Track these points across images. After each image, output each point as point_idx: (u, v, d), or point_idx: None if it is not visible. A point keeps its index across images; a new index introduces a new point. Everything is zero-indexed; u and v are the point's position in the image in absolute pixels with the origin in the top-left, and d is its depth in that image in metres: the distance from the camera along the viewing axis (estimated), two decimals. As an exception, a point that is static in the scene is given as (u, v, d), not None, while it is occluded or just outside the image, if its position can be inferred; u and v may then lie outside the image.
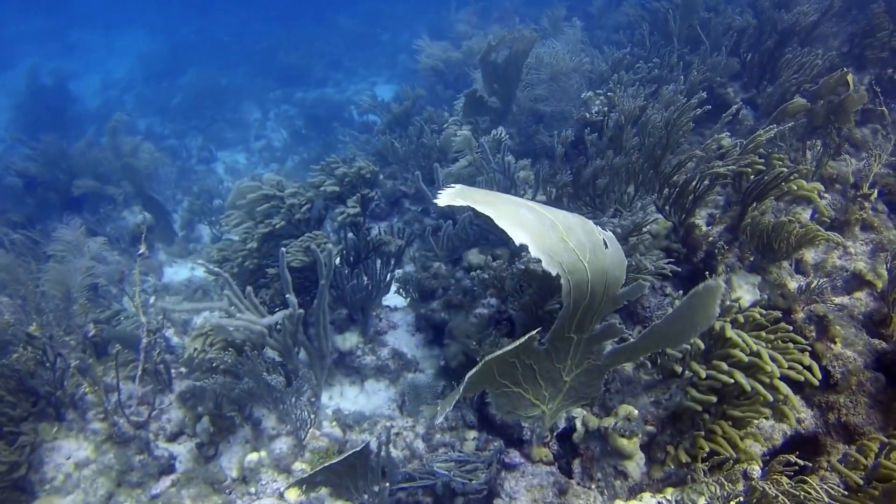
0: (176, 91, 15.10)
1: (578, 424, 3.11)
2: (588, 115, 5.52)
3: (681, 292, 3.97)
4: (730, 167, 4.08)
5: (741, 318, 3.29)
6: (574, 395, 2.96)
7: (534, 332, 2.73)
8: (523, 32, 6.11)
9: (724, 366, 3.10)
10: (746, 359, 3.01)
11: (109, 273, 6.38)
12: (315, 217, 4.63)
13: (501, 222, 2.14)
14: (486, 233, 4.93)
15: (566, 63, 6.40)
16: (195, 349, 3.95)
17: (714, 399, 3.14)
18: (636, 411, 3.15)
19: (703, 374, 3.09)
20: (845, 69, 5.31)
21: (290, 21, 19.34)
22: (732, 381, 2.99)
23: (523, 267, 3.64)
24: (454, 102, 6.87)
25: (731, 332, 3.09)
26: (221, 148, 12.74)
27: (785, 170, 4.10)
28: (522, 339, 2.72)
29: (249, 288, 3.67)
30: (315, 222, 4.57)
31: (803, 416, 3.44)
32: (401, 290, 4.86)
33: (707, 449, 3.11)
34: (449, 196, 2.18)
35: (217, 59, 17.27)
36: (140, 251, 4.77)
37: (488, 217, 2.12)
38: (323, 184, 4.52)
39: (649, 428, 3.14)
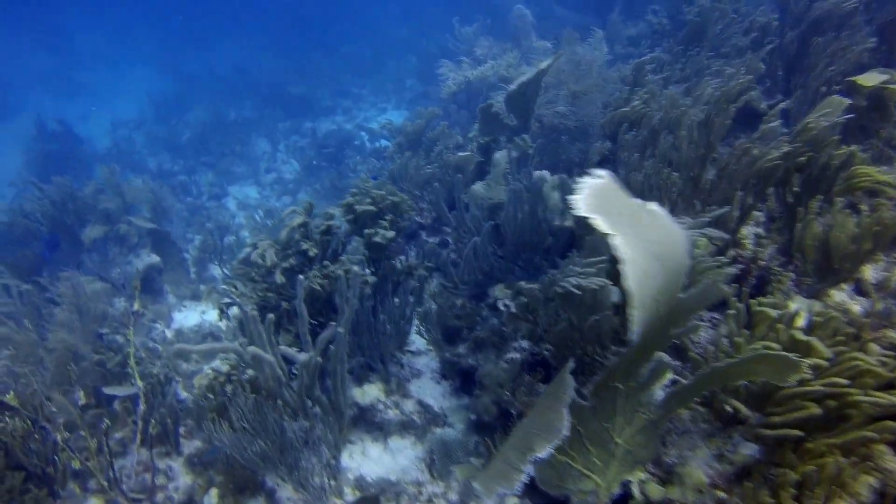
0: (184, 127, 14.96)
1: (636, 492, 2.71)
2: (625, 110, 5.13)
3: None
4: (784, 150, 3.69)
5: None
6: (630, 459, 2.58)
7: (568, 365, 2.36)
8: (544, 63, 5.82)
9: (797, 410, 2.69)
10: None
11: (115, 320, 6.10)
12: (335, 245, 4.30)
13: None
14: (512, 266, 4.58)
15: (593, 68, 6.11)
16: (202, 385, 3.63)
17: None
18: (704, 477, 2.75)
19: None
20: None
21: (294, 52, 19.23)
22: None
23: (561, 290, 3.26)
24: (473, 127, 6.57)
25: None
26: (232, 182, 12.51)
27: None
28: (561, 388, 2.36)
29: (271, 316, 3.29)
30: (333, 252, 4.24)
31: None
32: (422, 330, 4.50)
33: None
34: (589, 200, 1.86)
35: (224, 94, 17.13)
36: (134, 309, 4.43)
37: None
38: (356, 202, 4.19)
39: (719, 494, 2.74)
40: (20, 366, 4.75)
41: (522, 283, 3.72)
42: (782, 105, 4.28)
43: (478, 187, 5.34)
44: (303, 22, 22.25)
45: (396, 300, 4.11)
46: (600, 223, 1.88)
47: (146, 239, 7.92)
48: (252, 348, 3.26)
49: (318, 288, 3.89)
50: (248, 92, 17.15)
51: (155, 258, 7.40)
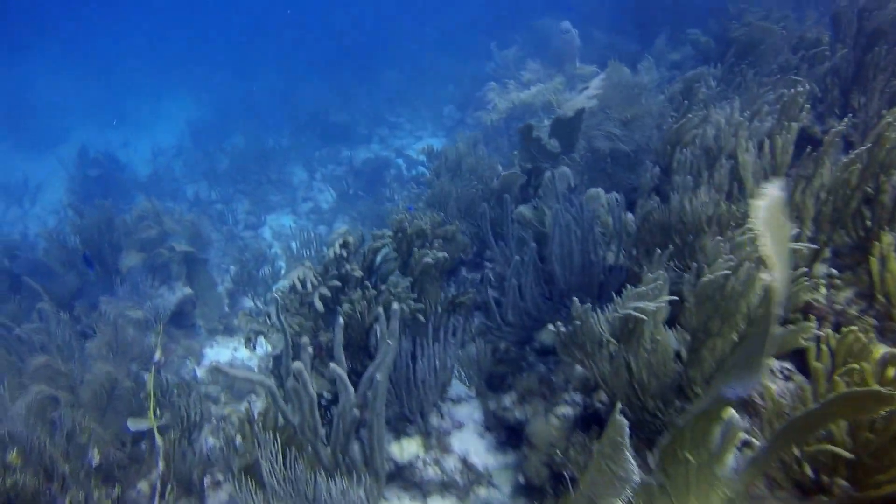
0: (222, 155, 14.95)
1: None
2: (677, 127, 4.81)
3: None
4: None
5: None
6: (709, 547, 2.25)
7: (617, 407, 2.05)
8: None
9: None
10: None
11: (144, 355, 5.93)
12: (383, 270, 4.05)
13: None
14: (560, 307, 4.27)
15: (642, 93, 5.81)
16: (231, 429, 3.38)
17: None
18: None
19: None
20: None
21: (331, 80, 19.23)
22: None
23: (623, 313, 2.94)
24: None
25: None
26: (268, 211, 12.41)
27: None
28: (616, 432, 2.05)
29: (306, 340, 3.03)
30: (377, 278, 3.99)
31: None
32: (463, 375, 4.21)
33: None
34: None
35: (262, 122, 17.17)
36: (156, 359, 4.22)
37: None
38: (404, 221, 3.95)
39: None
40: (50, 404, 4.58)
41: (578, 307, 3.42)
42: (841, 126, 3.93)
43: (524, 209, 5.06)
44: (341, 50, 22.33)
45: (437, 345, 3.82)
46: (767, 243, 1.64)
47: (182, 267, 7.77)
48: (291, 382, 3.01)
49: (358, 314, 3.64)
50: (285, 120, 17.18)
51: (187, 291, 7.23)
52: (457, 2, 23.64)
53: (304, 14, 29.01)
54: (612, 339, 3.17)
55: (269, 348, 4.27)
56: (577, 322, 3.28)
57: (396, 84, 18.11)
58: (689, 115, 4.84)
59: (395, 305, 3.11)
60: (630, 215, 4.46)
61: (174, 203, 13.46)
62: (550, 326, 4.08)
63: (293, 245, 10.27)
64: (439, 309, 4.10)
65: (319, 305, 3.74)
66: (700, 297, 3.00)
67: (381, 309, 3.38)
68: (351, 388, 3.07)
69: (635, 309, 2.94)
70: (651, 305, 2.94)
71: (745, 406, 3.45)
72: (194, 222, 9.38)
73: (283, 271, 8.81)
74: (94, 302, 7.17)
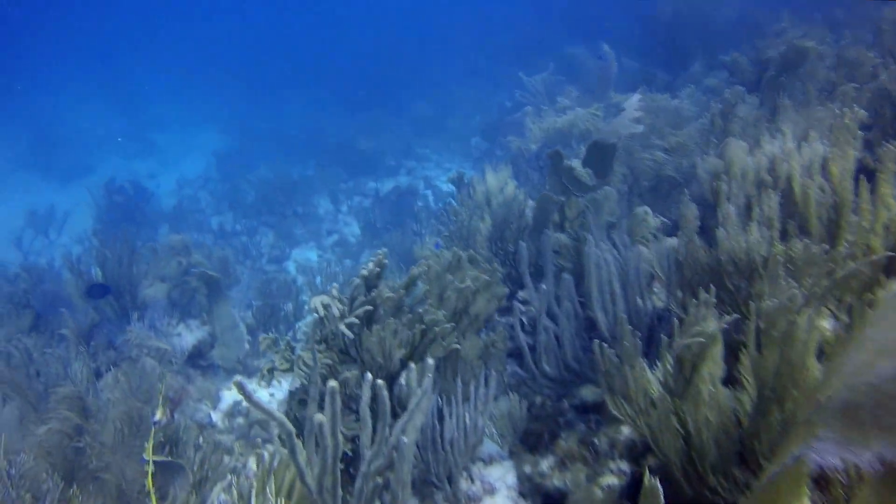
0: (248, 186, 14.82)
1: None
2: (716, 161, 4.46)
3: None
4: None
5: None
6: None
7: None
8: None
9: None
10: None
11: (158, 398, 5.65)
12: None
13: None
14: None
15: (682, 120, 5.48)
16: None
17: None
18: None
19: None
20: None
21: (358, 111, 19.16)
22: None
23: (678, 349, 2.58)
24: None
25: None
26: (293, 245, 12.20)
27: None
28: None
29: (334, 384, 2.66)
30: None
31: None
32: (493, 432, 3.85)
33: None
34: None
35: (288, 153, 17.10)
36: (156, 418, 3.92)
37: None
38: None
39: None
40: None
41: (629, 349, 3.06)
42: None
43: (563, 237, 4.73)
44: (366, 79, 22.31)
45: (468, 404, 3.46)
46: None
47: (204, 299, 7.51)
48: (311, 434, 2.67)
49: (387, 351, 3.32)
50: (311, 151, 17.07)
51: (205, 331, 6.97)
52: (480, 32, 23.54)
53: (328, 43, 29.19)
54: (665, 393, 2.82)
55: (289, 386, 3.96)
56: (626, 371, 2.95)
57: (423, 114, 17.98)
58: (735, 142, 4.48)
59: (430, 360, 2.78)
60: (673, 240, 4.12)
61: (199, 235, 13.34)
62: (588, 399, 3.74)
63: (318, 280, 10.02)
64: (470, 360, 3.77)
65: (347, 332, 3.41)
66: (764, 346, 2.64)
67: (412, 364, 3.07)
68: (377, 455, 2.74)
69: (694, 335, 2.60)
70: (710, 327, 2.61)
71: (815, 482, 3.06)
72: (223, 258, 9.18)
73: (306, 307, 8.54)
74: (109, 339, 6.95)
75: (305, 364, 3.63)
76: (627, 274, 3.85)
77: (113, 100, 24.54)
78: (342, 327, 3.42)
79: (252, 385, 6.59)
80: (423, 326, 3.52)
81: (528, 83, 10.39)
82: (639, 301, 3.83)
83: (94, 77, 27.32)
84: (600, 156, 5.24)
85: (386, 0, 37.93)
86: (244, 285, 10.00)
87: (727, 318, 2.85)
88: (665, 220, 5.22)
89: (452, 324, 3.62)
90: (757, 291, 3.50)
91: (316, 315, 3.61)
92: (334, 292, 3.69)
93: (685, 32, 11.15)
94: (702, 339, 2.66)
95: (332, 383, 2.60)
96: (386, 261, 3.70)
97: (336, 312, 3.52)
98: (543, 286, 3.89)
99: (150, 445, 3.44)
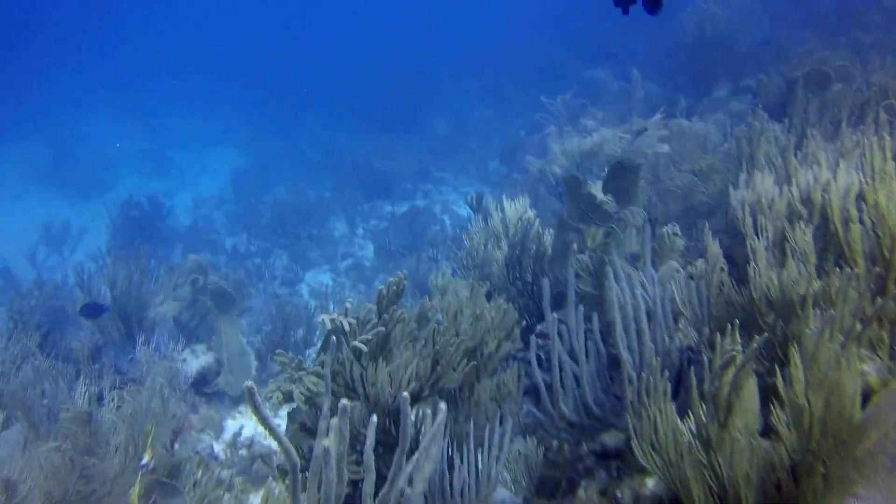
0: (264, 207, 14.70)
1: None
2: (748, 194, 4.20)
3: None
4: None
5: None
6: None
7: None
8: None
9: None
10: None
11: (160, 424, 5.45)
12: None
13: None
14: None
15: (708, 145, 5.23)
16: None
17: None
18: None
19: None
20: None
21: (375, 133, 19.08)
22: None
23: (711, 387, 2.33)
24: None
25: None
26: (307, 267, 12.03)
27: None
28: None
29: (346, 402, 2.37)
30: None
31: None
32: (507, 477, 3.60)
33: None
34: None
35: (305, 173, 17.02)
36: (143, 462, 3.69)
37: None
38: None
39: None
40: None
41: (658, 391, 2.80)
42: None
43: (582, 257, 4.47)
44: (386, 101, 22.26)
45: (481, 451, 3.20)
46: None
47: (214, 315, 7.32)
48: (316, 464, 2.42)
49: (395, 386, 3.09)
50: (329, 172, 16.96)
51: (212, 356, 6.78)
52: (499, 53, 23.46)
53: (348, 63, 29.25)
54: (698, 442, 2.57)
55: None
56: (655, 416, 2.70)
57: (440, 136, 17.85)
58: (764, 171, 4.22)
59: (442, 405, 2.55)
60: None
61: (213, 255, 13.22)
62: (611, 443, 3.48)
63: (331, 305, 9.82)
64: (483, 403, 3.53)
65: (361, 346, 3.19)
66: (806, 394, 2.39)
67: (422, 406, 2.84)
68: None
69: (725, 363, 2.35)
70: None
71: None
72: (237, 281, 9.00)
73: (318, 333, 8.33)
74: (114, 361, 6.76)
75: (310, 387, 3.40)
76: (654, 311, 3.60)
77: (133, 117, 24.66)
78: (356, 343, 3.21)
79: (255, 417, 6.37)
80: (436, 348, 3.30)
81: (549, 105, 10.18)
82: (666, 340, 3.57)
83: (115, 94, 27.49)
84: (624, 179, 4.90)
85: (406, 21, 38.26)
86: (256, 309, 9.82)
87: (757, 340, 2.58)
88: (697, 244, 4.97)
89: (466, 345, 3.41)
90: (794, 332, 3.25)
91: (328, 332, 3.38)
92: (349, 305, 3.46)
93: (709, 56, 10.94)
94: (733, 378, 2.41)
95: (345, 401, 2.34)
96: (405, 282, 3.49)
97: (346, 327, 3.29)
98: (564, 325, 3.65)
99: (135, 490, 3.21)
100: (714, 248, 3.68)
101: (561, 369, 3.60)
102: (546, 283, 3.86)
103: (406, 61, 26.97)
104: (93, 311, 6.84)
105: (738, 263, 4.19)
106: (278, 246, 13.18)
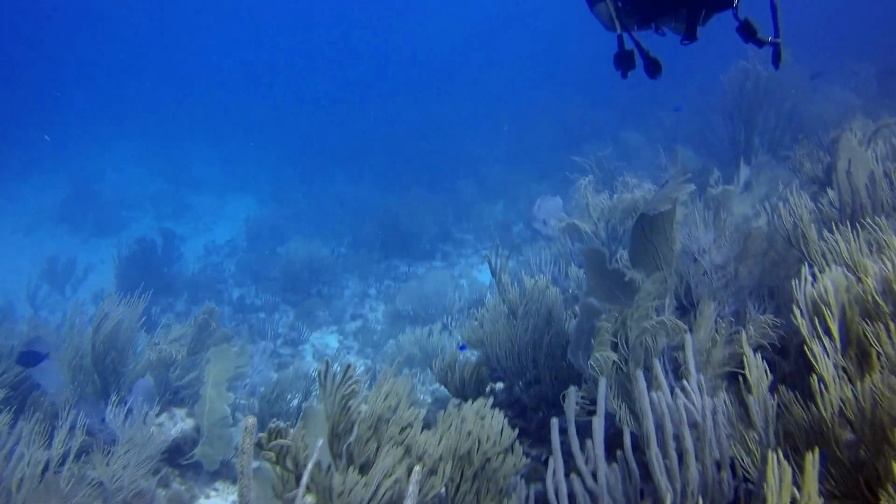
0: (276, 259, 14.17)
1: None
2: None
3: None
4: None
5: None
6: None
7: None
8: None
9: None
10: None
11: None
12: None
13: None
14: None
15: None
16: None
17: None
18: None
19: None
20: None
21: (396, 189, 18.68)
22: None
23: None
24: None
25: None
26: (313, 327, 11.38)
27: None
28: None
29: None
30: None
31: None
32: None
33: None
34: None
35: (322, 227, 16.52)
36: None
37: None
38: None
39: None
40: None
41: None
42: None
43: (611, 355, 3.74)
44: (412, 160, 21.95)
45: None
46: None
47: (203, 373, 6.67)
48: None
49: None
50: (346, 227, 16.43)
51: (191, 423, 6.11)
52: (528, 115, 23.14)
53: (375, 118, 29.15)
54: None
55: None
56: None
57: (463, 195, 17.37)
58: (834, 266, 3.49)
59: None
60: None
61: (217, 305, 12.62)
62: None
63: (335, 367, 9.12)
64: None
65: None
66: None
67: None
68: None
69: None
70: None
71: None
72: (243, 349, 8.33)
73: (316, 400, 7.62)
74: (86, 421, 6.10)
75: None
76: (702, 427, 2.90)
77: (154, 160, 24.60)
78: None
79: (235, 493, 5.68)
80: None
81: (583, 163, 9.59)
82: (715, 467, 2.86)
83: (139, 136, 27.60)
84: (653, 234, 4.08)
85: (439, 81, 38.44)
86: (253, 370, 9.15)
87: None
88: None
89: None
90: (885, 468, 2.56)
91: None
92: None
93: (748, 122, 10.37)
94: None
95: None
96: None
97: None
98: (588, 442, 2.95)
99: None
100: (756, 364, 2.98)
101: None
102: (572, 398, 3.16)
103: (436, 121, 26.79)
104: (30, 359, 6.17)
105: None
106: (286, 301, 12.59)
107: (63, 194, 20.00)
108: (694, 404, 2.95)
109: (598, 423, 2.98)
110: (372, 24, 55.27)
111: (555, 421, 3.01)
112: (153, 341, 7.04)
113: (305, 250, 13.82)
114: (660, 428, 2.87)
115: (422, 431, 2.86)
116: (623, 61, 3.81)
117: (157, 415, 6.03)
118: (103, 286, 13.28)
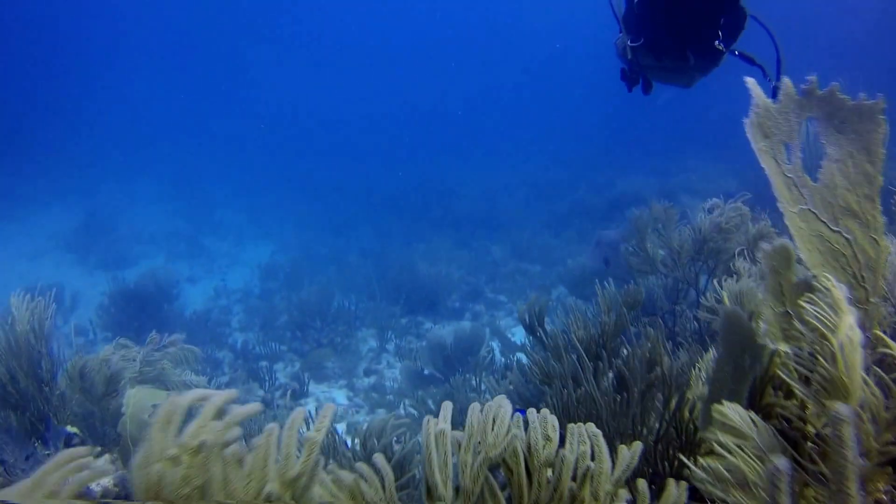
0: (289, 306, 12.72)
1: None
2: None
3: None
4: None
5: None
6: None
7: None
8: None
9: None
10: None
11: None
12: None
13: None
14: None
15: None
16: None
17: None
18: None
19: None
20: None
21: (425, 242, 17.42)
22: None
23: None
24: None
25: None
26: (320, 379, 9.86)
27: None
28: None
29: None
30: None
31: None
32: None
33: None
34: None
35: (343, 279, 15.10)
36: None
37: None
38: None
39: None
40: None
41: None
42: None
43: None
44: (437, 215, 20.82)
45: None
46: None
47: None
48: None
49: None
50: (370, 281, 14.96)
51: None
52: (569, 184, 22.09)
53: (407, 176, 28.16)
54: None
55: None
56: None
57: (501, 258, 15.99)
58: None
59: None
60: None
61: (217, 349, 11.21)
62: None
63: (339, 428, 7.62)
64: None
65: None
66: None
67: None
68: None
69: None
70: None
71: None
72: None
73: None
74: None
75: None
76: None
77: (178, 200, 23.81)
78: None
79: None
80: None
81: (630, 215, 8.15)
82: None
83: (166, 175, 26.98)
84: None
85: (475, 145, 37.75)
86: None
87: None
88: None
89: None
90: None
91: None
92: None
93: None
94: None
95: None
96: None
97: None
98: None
99: None
100: None
101: None
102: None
103: (468, 176, 25.91)
104: None
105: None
106: (293, 351, 11.12)
107: (77, 223, 19.07)
108: None
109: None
110: (411, 79, 55.61)
111: None
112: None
113: (321, 297, 12.39)
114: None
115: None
116: (629, 79, 5.07)
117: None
118: (92, 318, 11.96)
